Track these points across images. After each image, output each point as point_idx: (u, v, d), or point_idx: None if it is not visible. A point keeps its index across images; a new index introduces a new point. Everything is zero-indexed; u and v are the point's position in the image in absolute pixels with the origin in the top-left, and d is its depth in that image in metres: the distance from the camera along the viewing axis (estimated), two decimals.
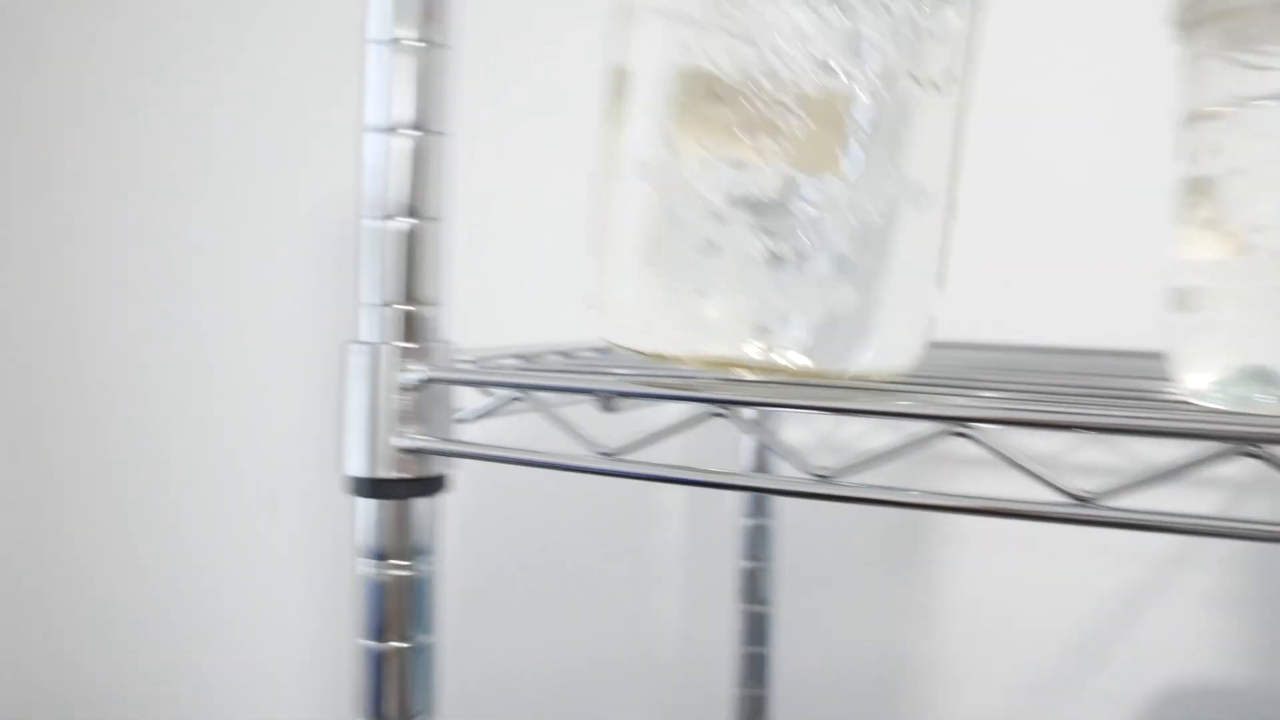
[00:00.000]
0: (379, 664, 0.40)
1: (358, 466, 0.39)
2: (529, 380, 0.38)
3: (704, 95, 0.32)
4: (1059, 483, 0.30)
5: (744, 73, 0.32)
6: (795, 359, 0.34)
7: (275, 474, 0.94)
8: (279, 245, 0.92)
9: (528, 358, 0.46)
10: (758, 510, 0.71)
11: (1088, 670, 0.68)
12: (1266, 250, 0.33)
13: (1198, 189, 0.34)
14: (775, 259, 0.33)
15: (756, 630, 0.71)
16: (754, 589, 0.71)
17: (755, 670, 0.71)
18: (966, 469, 0.66)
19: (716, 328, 0.34)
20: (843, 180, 0.32)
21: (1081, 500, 0.30)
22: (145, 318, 1.00)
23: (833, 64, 0.32)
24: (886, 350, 0.35)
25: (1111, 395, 0.36)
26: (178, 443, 0.98)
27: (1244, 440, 0.29)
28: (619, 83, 0.36)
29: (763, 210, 0.32)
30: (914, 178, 0.34)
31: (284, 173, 0.92)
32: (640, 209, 0.35)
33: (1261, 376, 0.34)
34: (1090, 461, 0.63)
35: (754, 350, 0.34)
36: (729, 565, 0.73)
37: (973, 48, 0.36)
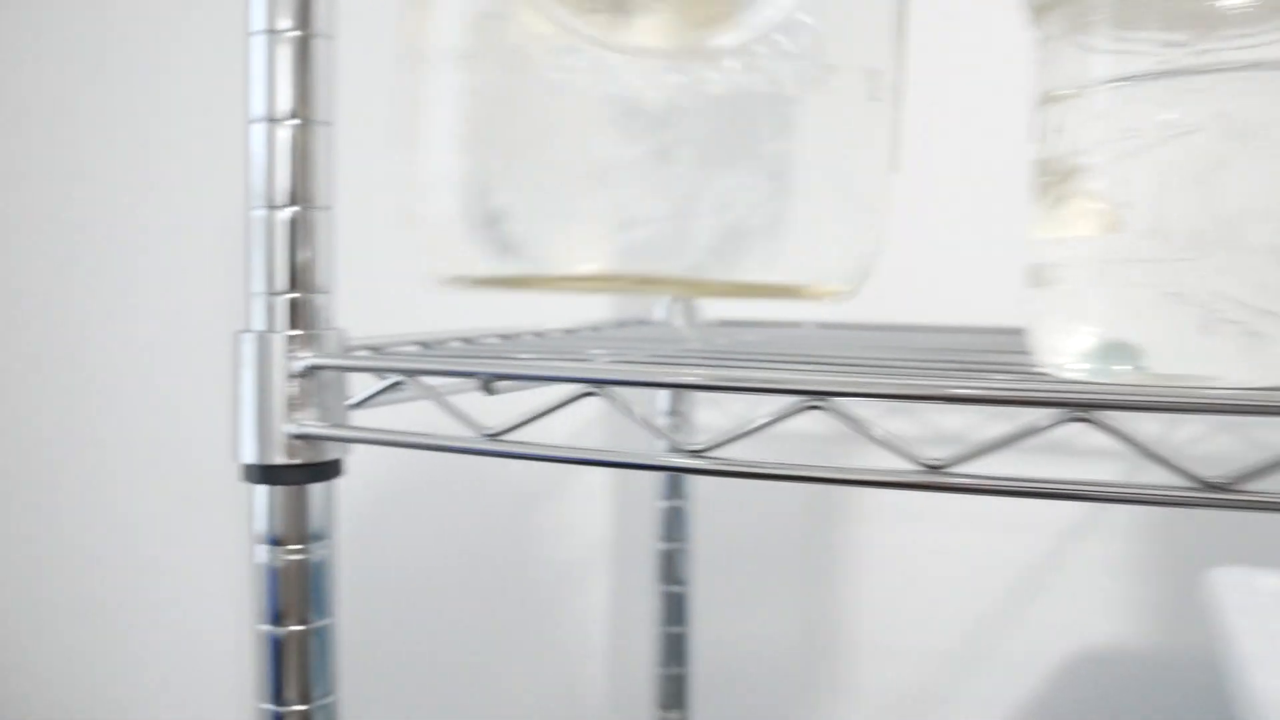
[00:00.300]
0: (278, 649, 0.41)
1: (251, 454, 0.40)
2: (411, 365, 0.39)
3: None
4: (911, 452, 0.32)
5: None
6: (677, 269, 0.27)
7: (195, 465, 0.94)
8: (192, 237, 0.92)
9: (428, 344, 0.47)
10: (673, 492, 0.72)
11: (998, 639, 0.70)
12: (1129, 226, 0.34)
13: (1049, 169, 0.36)
14: (655, 152, 0.26)
15: (675, 610, 0.72)
16: (671, 570, 0.72)
17: (675, 650, 0.72)
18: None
19: (581, 237, 0.28)
20: (737, 49, 0.25)
21: (933, 468, 0.32)
22: (58, 309, 0.99)
23: None
24: (812, 259, 0.29)
25: (967, 368, 0.37)
26: (96, 435, 0.98)
27: (1076, 405, 0.30)
28: None
29: (629, 90, 0.25)
30: (835, 49, 0.27)
31: (184, 165, 0.92)
32: (468, 99, 0.28)
33: (1119, 348, 0.35)
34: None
35: (626, 261, 0.27)
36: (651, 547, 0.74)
37: None
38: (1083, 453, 0.64)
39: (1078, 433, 0.57)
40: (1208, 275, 0.33)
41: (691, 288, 0.28)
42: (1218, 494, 0.29)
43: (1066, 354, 0.36)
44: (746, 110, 0.25)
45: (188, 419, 0.94)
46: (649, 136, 0.24)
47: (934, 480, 0.31)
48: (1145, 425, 0.61)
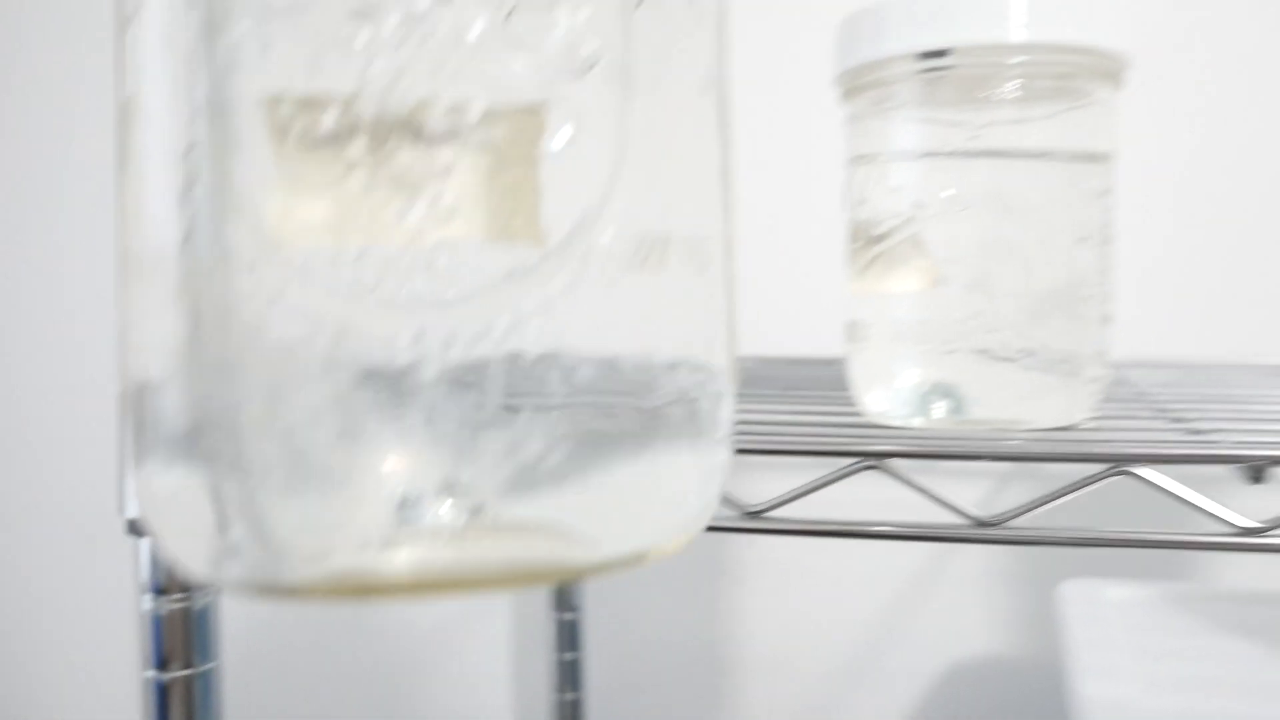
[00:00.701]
0: (163, 693, 0.43)
1: (133, 509, 0.43)
2: None
3: (307, 135, 0.18)
4: (734, 497, 0.35)
5: (380, 93, 0.18)
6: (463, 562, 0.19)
7: (94, 511, 0.96)
8: (81, 296, 0.94)
9: None
10: None
11: (882, 653, 0.73)
12: (934, 285, 0.38)
13: (857, 234, 0.39)
14: (457, 389, 0.19)
15: (568, 637, 0.75)
16: (564, 597, 0.75)
17: (570, 676, 0.75)
18: None
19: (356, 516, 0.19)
20: (544, 251, 0.19)
21: (751, 514, 0.35)
22: None
23: (513, 65, 0.19)
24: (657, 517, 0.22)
25: (792, 417, 0.41)
26: None
27: (865, 455, 0.34)
28: (131, 129, 0.20)
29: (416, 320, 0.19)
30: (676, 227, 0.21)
31: (62, 222, 0.94)
32: (186, 326, 0.19)
33: (944, 393, 0.39)
34: None
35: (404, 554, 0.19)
36: None
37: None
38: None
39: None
40: (1004, 330, 0.37)
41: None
42: (988, 530, 0.33)
43: (883, 403, 0.40)
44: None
45: (80, 471, 0.96)
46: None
47: (750, 525, 0.35)
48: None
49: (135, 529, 0.43)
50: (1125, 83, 0.38)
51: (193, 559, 0.20)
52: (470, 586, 0.19)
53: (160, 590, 0.43)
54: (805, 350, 0.68)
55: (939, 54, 0.36)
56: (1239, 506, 0.32)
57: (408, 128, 0.18)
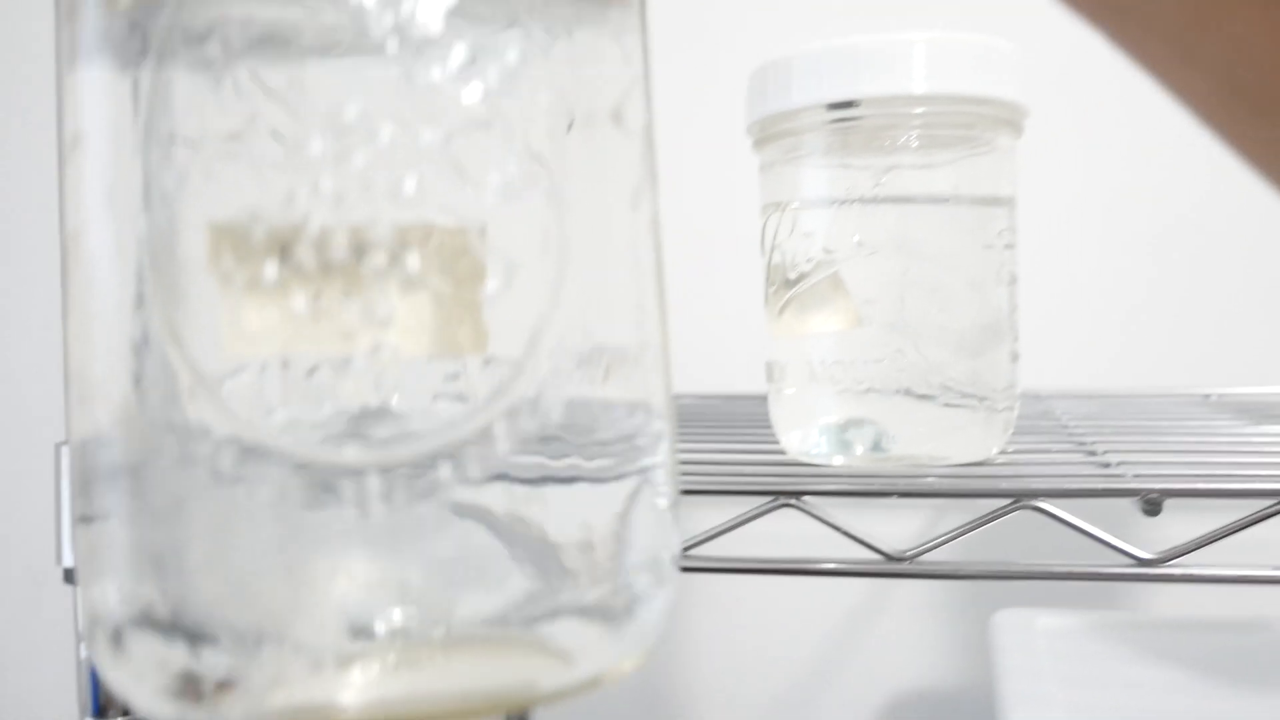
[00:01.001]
0: None
1: (71, 558, 0.43)
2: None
3: (229, 253, 0.18)
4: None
5: (292, 207, 0.18)
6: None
7: (42, 554, 0.96)
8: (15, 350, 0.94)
9: None
10: None
11: (822, 686, 0.74)
12: (853, 326, 0.39)
13: (772, 278, 0.41)
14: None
15: None
16: None
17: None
18: None
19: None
20: (489, 380, 0.19)
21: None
22: None
23: (448, 189, 0.19)
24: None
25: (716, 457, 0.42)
26: None
27: (780, 494, 0.35)
28: (72, 257, 0.20)
29: (368, 437, 0.19)
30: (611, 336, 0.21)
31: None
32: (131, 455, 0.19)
33: (864, 429, 0.40)
34: None
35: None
36: None
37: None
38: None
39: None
40: (921, 368, 0.38)
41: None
42: (899, 564, 0.34)
43: (804, 442, 0.41)
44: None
45: (26, 509, 0.95)
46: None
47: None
48: None
49: (73, 577, 0.43)
50: (1023, 130, 0.40)
51: (141, 690, 0.19)
52: (429, 713, 0.19)
53: None
54: (734, 387, 0.69)
55: (846, 105, 0.38)
56: (1145, 538, 0.34)
57: (345, 253, 0.18)
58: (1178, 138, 0.67)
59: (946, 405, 0.39)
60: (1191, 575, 0.33)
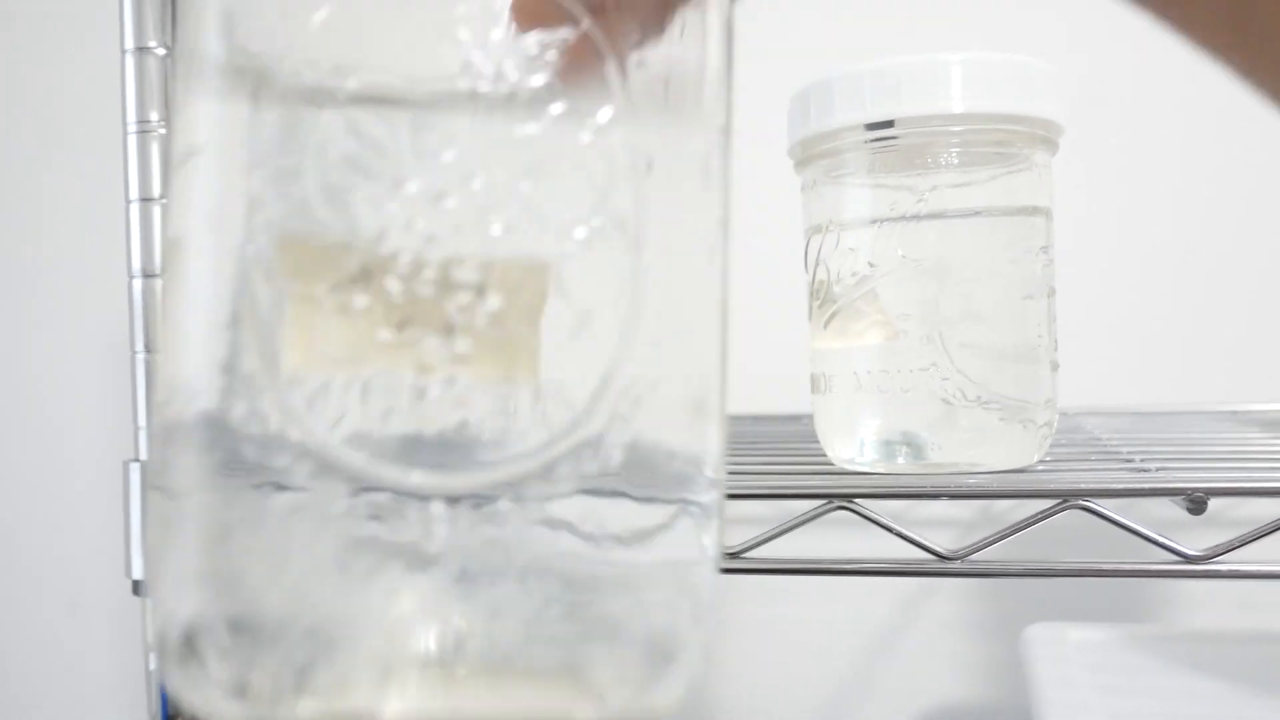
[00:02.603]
0: None
1: (139, 570, 0.44)
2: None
3: (323, 278, 0.19)
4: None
5: (386, 241, 0.19)
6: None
7: (75, 579, 0.97)
8: (79, 370, 0.96)
9: None
10: None
11: (856, 701, 0.75)
12: (893, 338, 0.41)
13: (816, 293, 0.42)
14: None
15: None
16: None
17: None
18: None
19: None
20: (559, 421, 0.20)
21: (731, 555, 0.37)
22: None
23: (528, 228, 0.20)
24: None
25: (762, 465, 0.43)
26: None
27: (835, 496, 0.36)
28: (173, 263, 0.21)
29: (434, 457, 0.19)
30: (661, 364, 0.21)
31: (70, 309, 0.96)
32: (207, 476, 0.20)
33: (906, 439, 0.42)
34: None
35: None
36: None
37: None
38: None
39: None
40: (960, 379, 0.40)
41: None
42: (952, 564, 0.35)
43: (848, 450, 0.42)
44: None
45: (73, 537, 0.97)
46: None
47: (729, 565, 0.37)
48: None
49: (141, 590, 0.45)
50: (1059, 147, 0.41)
51: (202, 693, 0.20)
52: None
53: None
54: (772, 408, 0.70)
55: (885, 125, 0.39)
56: (1185, 541, 0.35)
57: (430, 288, 0.19)
58: (1208, 153, 0.69)
59: (988, 415, 0.40)
60: (1237, 572, 0.34)
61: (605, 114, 0.20)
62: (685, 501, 0.22)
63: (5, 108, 0.96)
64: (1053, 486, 0.35)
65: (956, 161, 0.39)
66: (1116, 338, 0.71)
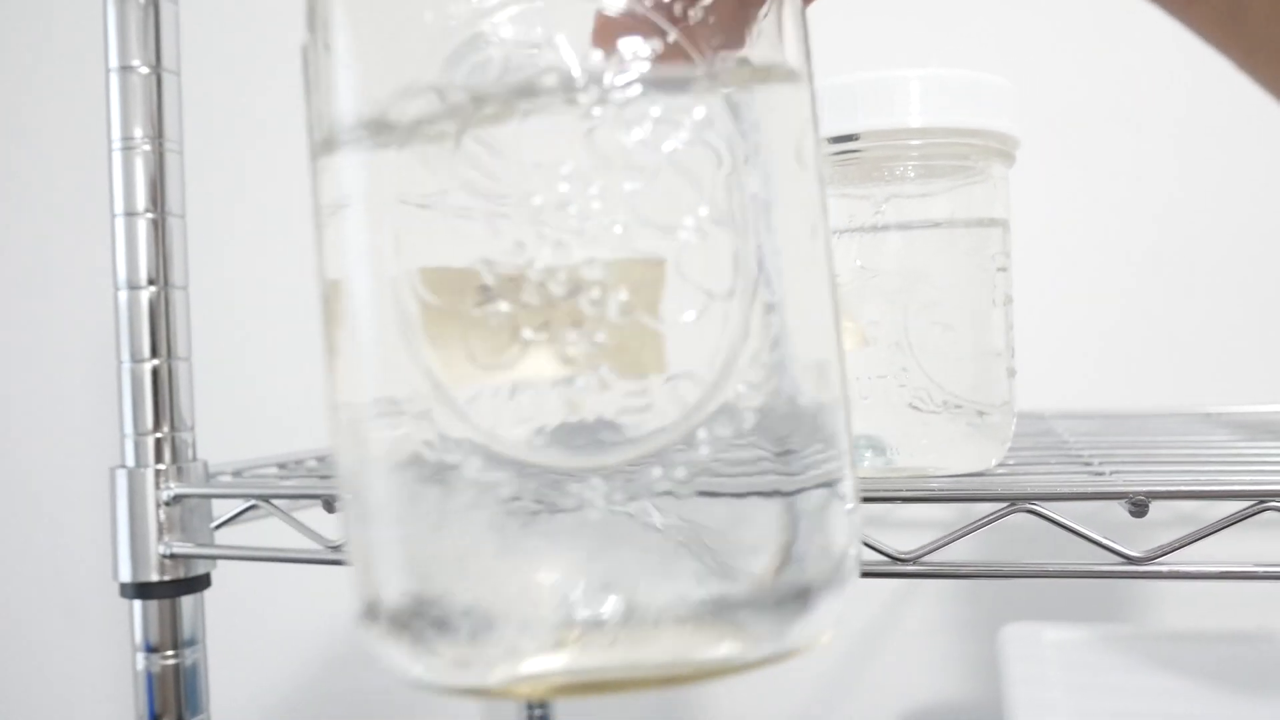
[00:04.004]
0: None
1: (127, 573, 0.46)
2: (265, 490, 0.45)
3: (469, 294, 0.22)
4: None
5: (520, 252, 0.21)
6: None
7: (73, 582, 0.98)
8: (70, 376, 0.97)
9: (286, 465, 0.53)
10: None
11: (835, 703, 0.76)
12: (880, 341, 0.42)
13: None
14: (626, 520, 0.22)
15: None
16: None
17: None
18: None
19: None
20: (692, 397, 0.22)
21: None
22: None
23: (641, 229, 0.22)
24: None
25: None
26: None
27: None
28: (335, 302, 0.24)
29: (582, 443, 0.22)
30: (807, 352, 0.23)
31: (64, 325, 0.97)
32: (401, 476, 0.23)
33: (871, 444, 0.43)
34: None
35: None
36: None
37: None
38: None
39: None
40: (926, 385, 0.41)
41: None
42: (905, 565, 0.37)
43: None
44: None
45: (67, 541, 0.98)
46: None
47: None
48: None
49: (128, 592, 0.46)
50: (1015, 159, 0.43)
51: (402, 662, 0.23)
52: (635, 685, 0.22)
53: (152, 649, 0.46)
54: None
55: (847, 138, 0.41)
56: (1140, 543, 0.36)
57: (565, 289, 0.21)
58: (1181, 158, 0.70)
59: (952, 419, 0.41)
60: (1178, 572, 0.35)
61: (700, 113, 0.22)
62: (819, 457, 0.23)
63: None
64: (1001, 491, 0.37)
65: (915, 174, 0.40)
66: (1090, 341, 0.72)
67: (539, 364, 0.21)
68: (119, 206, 0.45)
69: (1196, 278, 0.71)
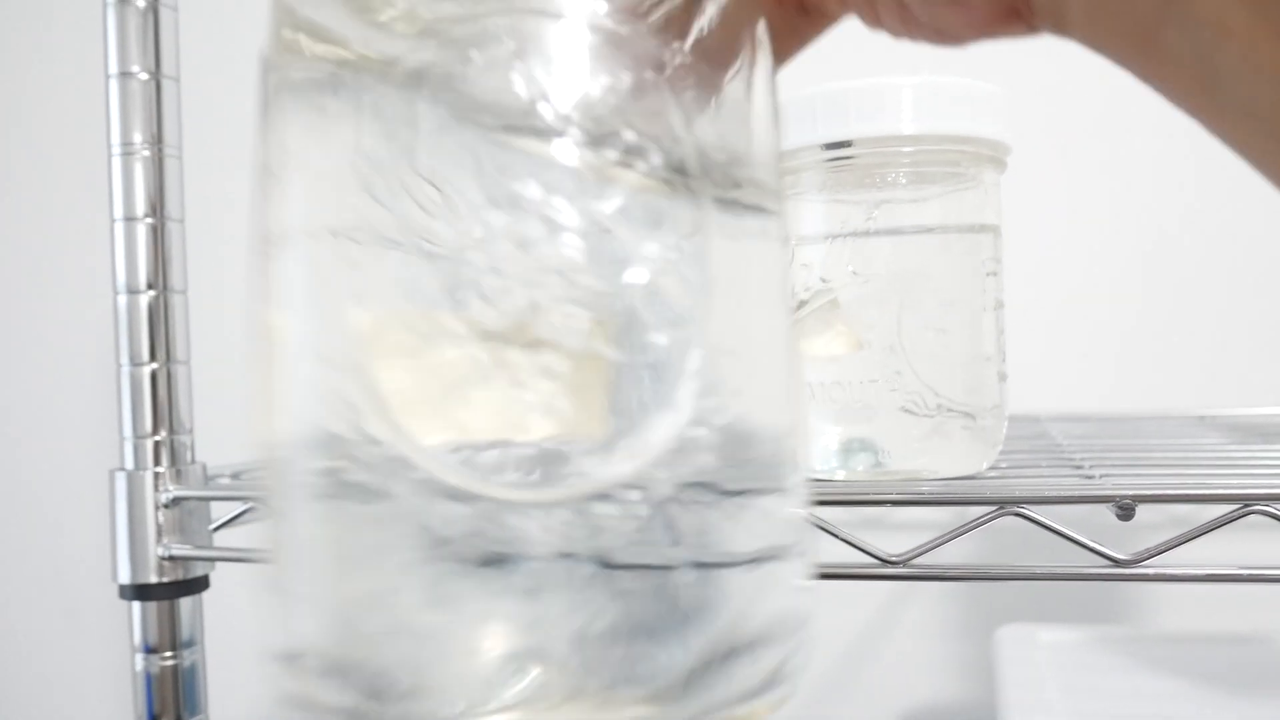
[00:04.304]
0: None
1: (126, 575, 0.46)
2: (259, 493, 0.45)
3: (416, 333, 0.21)
4: None
5: (467, 292, 0.21)
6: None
7: (72, 584, 0.99)
8: (70, 380, 0.98)
9: None
10: None
11: (834, 702, 0.77)
12: (874, 345, 0.42)
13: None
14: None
15: None
16: None
17: None
18: None
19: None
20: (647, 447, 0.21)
21: None
22: None
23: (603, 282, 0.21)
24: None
25: None
26: None
27: None
28: (270, 345, 0.23)
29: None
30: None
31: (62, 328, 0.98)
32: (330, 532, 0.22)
33: (864, 447, 0.43)
34: None
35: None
36: None
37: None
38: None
39: None
40: (919, 389, 0.41)
41: None
42: (895, 568, 0.37)
43: (810, 455, 0.44)
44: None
45: (67, 543, 0.99)
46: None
47: None
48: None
49: (127, 593, 0.46)
50: (1006, 165, 0.43)
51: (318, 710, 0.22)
52: None
53: (151, 649, 0.46)
54: None
55: (840, 145, 0.41)
56: (1130, 546, 0.36)
57: (521, 316, 0.21)
58: (1179, 162, 0.70)
59: (945, 423, 0.42)
60: (1164, 575, 0.35)
61: (671, 157, 0.22)
62: (773, 490, 0.23)
63: None
64: (990, 494, 0.37)
65: (907, 180, 0.41)
66: (1083, 345, 0.72)
67: (492, 394, 0.21)
68: (118, 211, 0.46)
69: (1188, 281, 0.71)
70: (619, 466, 0.21)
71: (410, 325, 0.21)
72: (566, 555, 0.21)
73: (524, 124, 0.21)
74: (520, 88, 0.21)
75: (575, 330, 0.21)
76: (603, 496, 0.21)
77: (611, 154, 0.21)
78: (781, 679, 0.23)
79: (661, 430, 0.21)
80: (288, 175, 0.22)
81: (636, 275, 0.21)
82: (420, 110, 0.21)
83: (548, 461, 0.21)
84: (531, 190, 0.21)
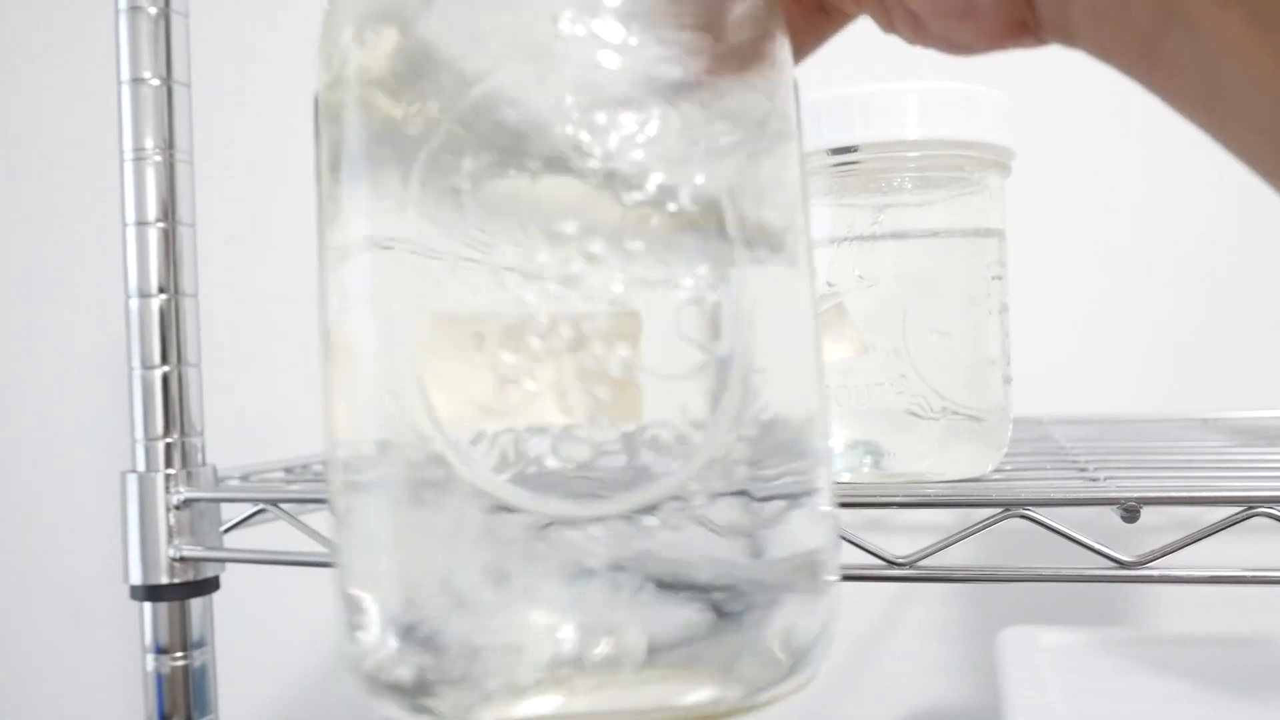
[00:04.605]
0: None
1: (138, 576, 0.47)
2: (272, 495, 0.46)
3: (473, 342, 0.22)
4: None
5: (544, 308, 0.22)
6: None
7: (84, 584, 0.99)
8: (82, 382, 0.98)
9: (294, 469, 0.54)
10: None
11: (837, 704, 0.77)
12: (879, 348, 0.43)
13: None
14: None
15: None
16: None
17: None
18: None
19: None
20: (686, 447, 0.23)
21: None
22: None
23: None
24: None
25: None
26: None
27: None
28: (340, 343, 0.24)
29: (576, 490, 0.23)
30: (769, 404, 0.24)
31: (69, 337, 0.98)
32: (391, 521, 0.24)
33: (869, 449, 0.43)
34: None
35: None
36: None
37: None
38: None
39: None
40: (924, 392, 0.42)
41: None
42: (900, 569, 0.37)
43: None
44: None
45: (78, 545, 0.99)
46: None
47: None
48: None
49: (138, 594, 0.47)
50: (1010, 170, 0.43)
51: (396, 701, 0.23)
52: None
53: (162, 650, 0.47)
54: None
55: (846, 150, 0.41)
56: (1135, 548, 0.36)
57: (567, 342, 0.22)
58: (1179, 165, 0.71)
59: (949, 425, 0.42)
60: (1169, 576, 0.36)
61: (699, 179, 0.23)
62: (802, 496, 0.25)
63: (10, 136, 0.98)
64: (996, 496, 0.37)
65: (912, 185, 0.41)
66: (1088, 348, 0.72)
67: (538, 412, 0.22)
68: (130, 216, 0.46)
69: (1193, 284, 0.71)
70: (665, 480, 0.22)
71: (471, 361, 0.23)
72: (618, 566, 0.22)
73: (566, 164, 0.22)
74: (563, 128, 0.22)
75: (618, 359, 0.22)
76: (649, 508, 0.22)
77: (647, 191, 0.23)
78: (809, 663, 0.25)
79: (705, 447, 0.23)
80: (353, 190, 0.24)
81: (674, 302, 0.23)
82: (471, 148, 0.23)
83: (600, 477, 0.22)
84: (570, 227, 0.22)
